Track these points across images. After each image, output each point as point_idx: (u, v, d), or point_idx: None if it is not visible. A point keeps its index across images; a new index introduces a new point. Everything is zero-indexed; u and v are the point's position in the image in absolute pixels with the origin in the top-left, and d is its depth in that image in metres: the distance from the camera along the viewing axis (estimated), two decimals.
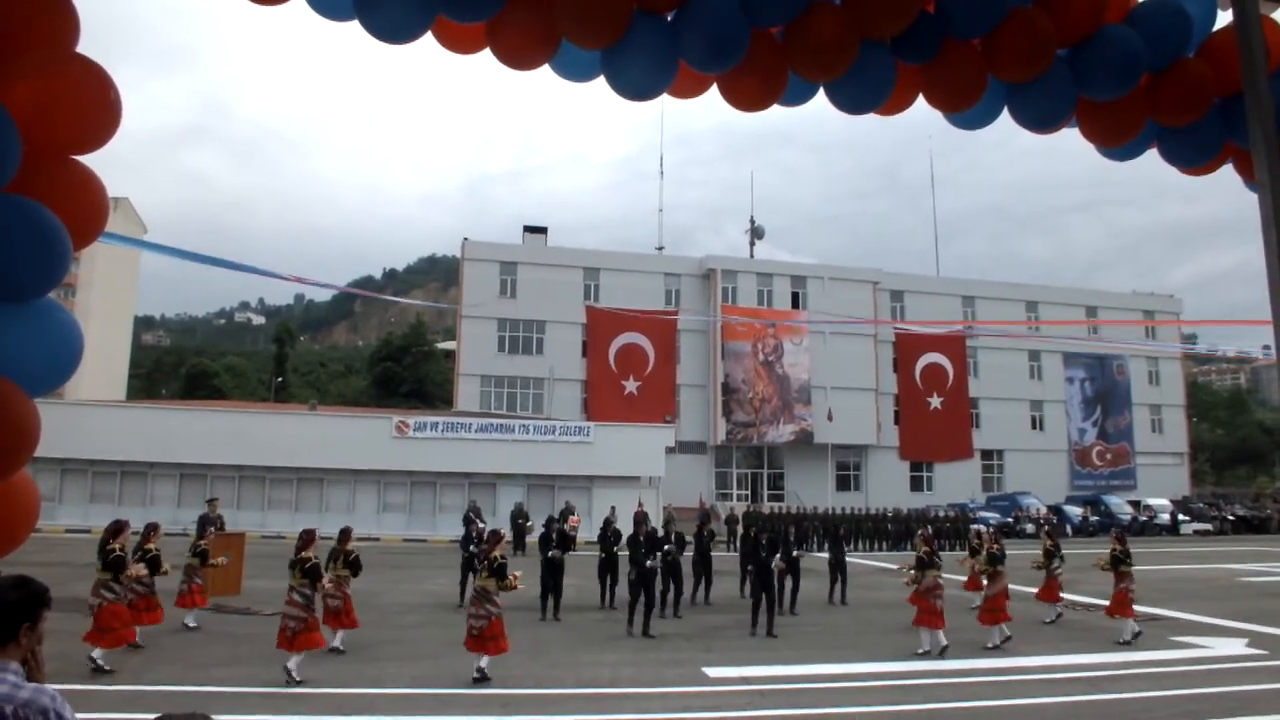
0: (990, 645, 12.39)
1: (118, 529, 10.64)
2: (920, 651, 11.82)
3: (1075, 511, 41.03)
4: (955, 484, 48.00)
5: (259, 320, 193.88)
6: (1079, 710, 9.11)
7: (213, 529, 15.36)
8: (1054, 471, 50.74)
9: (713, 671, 10.59)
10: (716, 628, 13.79)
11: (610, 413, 40.92)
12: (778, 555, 14.30)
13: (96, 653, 9.57)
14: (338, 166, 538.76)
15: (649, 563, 13.37)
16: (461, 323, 45.96)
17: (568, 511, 26.44)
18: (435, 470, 32.48)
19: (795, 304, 48.20)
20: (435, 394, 73.44)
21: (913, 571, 12.63)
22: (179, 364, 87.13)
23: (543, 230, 49.63)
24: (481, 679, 9.50)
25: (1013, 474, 50.19)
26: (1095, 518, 40.08)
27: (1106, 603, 13.64)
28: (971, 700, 9.37)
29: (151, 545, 11.28)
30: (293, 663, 9.37)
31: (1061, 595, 14.92)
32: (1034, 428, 52.05)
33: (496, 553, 10.11)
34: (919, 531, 14.07)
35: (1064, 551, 15.37)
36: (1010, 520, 37.88)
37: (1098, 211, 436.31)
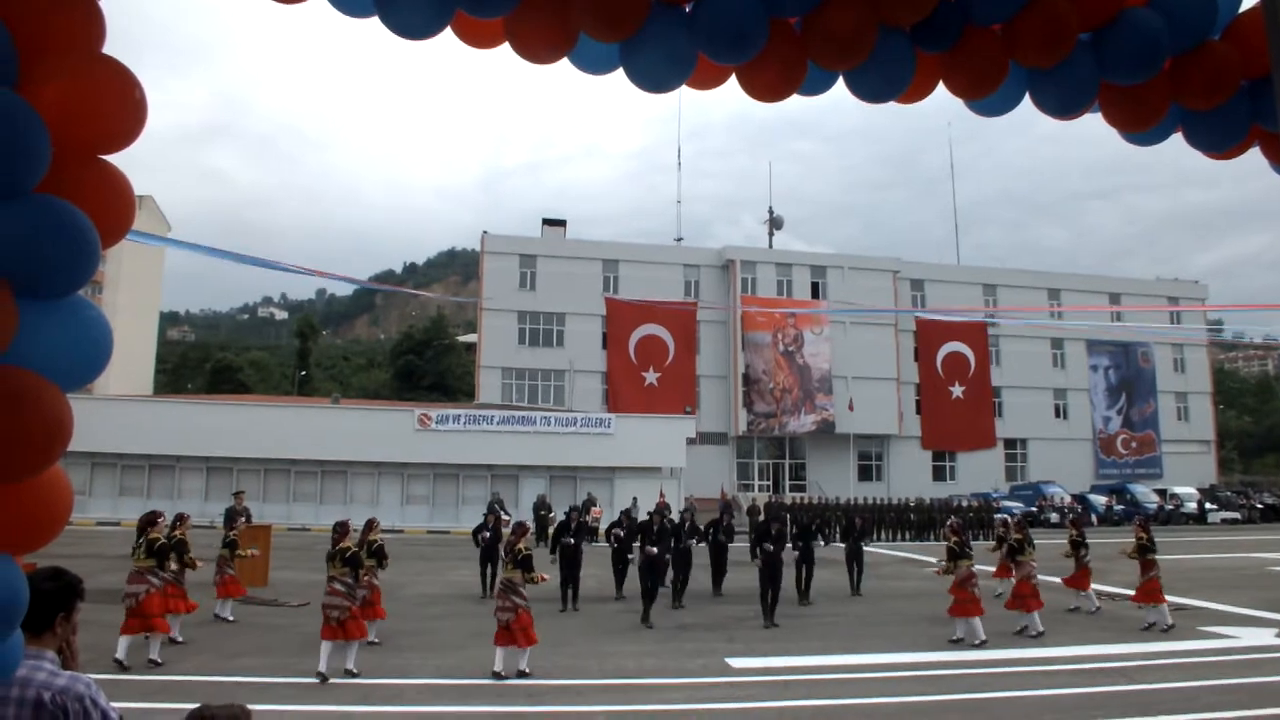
0: (1018, 631, 12.49)
1: (152, 519, 10.84)
2: (953, 640, 11.84)
3: (1100, 500, 40.66)
4: (978, 473, 47.67)
5: (281, 315, 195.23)
6: (1107, 700, 9.05)
7: (242, 520, 15.57)
8: (1078, 460, 50.27)
9: (736, 662, 10.63)
10: (738, 618, 13.82)
11: (631, 404, 41.00)
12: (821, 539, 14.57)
13: (120, 652, 9.64)
14: (355, 162, 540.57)
15: (650, 549, 13.87)
16: (482, 316, 46.13)
17: (590, 503, 26.64)
18: (458, 462, 32.73)
19: (815, 294, 47.96)
20: (457, 387, 73.77)
21: (944, 564, 12.64)
22: (204, 359, 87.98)
23: (561, 223, 49.59)
24: (506, 675, 9.49)
25: (1036, 463, 49.77)
26: (1120, 507, 39.70)
27: (1133, 591, 13.58)
28: (997, 691, 9.34)
29: (178, 533, 11.45)
30: (352, 659, 9.55)
31: (1090, 585, 14.81)
32: (1057, 416, 51.55)
33: (521, 544, 10.16)
34: (949, 521, 14.07)
35: (1090, 541, 15.26)
36: (1035, 509, 37.66)
37: (1118, 198, 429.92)
